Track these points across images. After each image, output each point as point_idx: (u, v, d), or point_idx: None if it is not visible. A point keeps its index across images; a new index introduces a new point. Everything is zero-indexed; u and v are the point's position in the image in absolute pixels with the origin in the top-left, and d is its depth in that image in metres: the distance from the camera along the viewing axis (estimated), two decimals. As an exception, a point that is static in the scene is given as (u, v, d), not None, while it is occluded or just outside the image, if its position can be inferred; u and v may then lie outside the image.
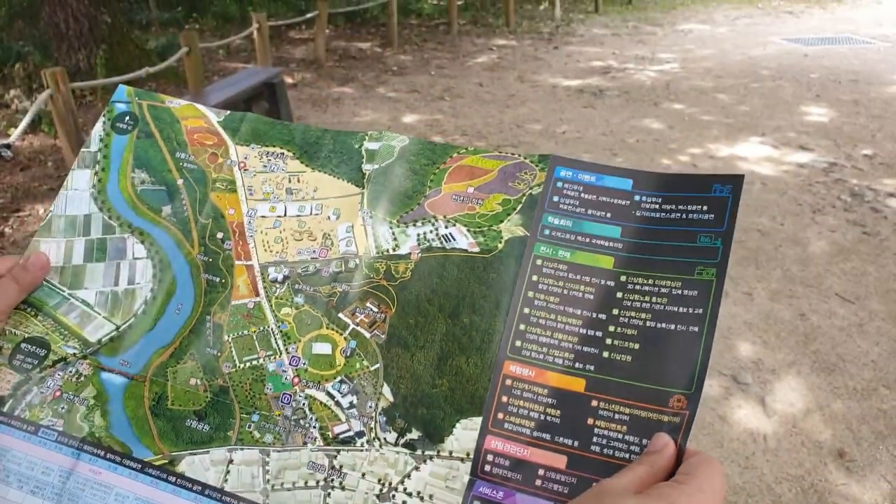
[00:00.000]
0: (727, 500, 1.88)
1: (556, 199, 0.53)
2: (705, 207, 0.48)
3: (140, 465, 0.48)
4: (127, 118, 0.61)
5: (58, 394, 0.51)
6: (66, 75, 3.17)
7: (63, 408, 0.51)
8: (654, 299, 0.47)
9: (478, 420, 0.47)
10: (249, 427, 0.49)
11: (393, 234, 0.54)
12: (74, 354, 0.53)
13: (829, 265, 3.18)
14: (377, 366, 0.50)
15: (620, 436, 0.44)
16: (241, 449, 0.49)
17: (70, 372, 0.52)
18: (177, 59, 4.76)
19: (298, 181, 0.57)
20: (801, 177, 4.26)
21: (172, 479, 0.48)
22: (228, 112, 0.61)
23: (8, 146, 2.76)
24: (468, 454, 0.46)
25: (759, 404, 2.26)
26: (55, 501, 0.47)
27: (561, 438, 0.45)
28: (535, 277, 0.50)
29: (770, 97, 6.04)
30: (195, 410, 0.50)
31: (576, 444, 0.45)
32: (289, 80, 6.55)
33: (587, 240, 0.50)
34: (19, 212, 3.78)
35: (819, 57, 7.55)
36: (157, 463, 0.49)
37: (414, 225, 0.54)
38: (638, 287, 0.47)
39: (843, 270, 3.14)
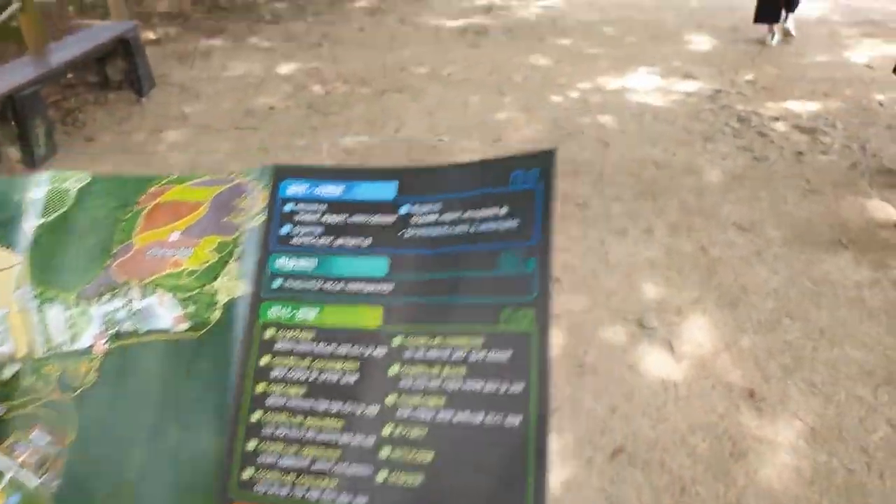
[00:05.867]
0: (641, 456, 1.77)
1: (286, 230, 0.34)
2: (505, 210, 0.30)
3: None
4: None
5: None
6: None
7: None
8: (445, 371, 0.28)
9: None
10: None
11: (70, 317, 0.31)
12: None
13: (725, 193, 3.14)
14: None
15: None
16: None
17: None
18: (9, 15, 4.14)
19: None
20: (689, 105, 4.23)
21: None
22: None
23: None
24: None
25: (667, 349, 2.17)
26: None
27: None
28: (264, 361, 0.30)
29: (654, 27, 6.00)
30: None
31: None
32: (151, 35, 5.93)
33: (340, 285, 0.31)
34: None
35: (697, -16, 7.59)
36: None
37: (98, 301, 0.32)
38: (420, 355, 0.29)
39: (738, 198, 3.10)
